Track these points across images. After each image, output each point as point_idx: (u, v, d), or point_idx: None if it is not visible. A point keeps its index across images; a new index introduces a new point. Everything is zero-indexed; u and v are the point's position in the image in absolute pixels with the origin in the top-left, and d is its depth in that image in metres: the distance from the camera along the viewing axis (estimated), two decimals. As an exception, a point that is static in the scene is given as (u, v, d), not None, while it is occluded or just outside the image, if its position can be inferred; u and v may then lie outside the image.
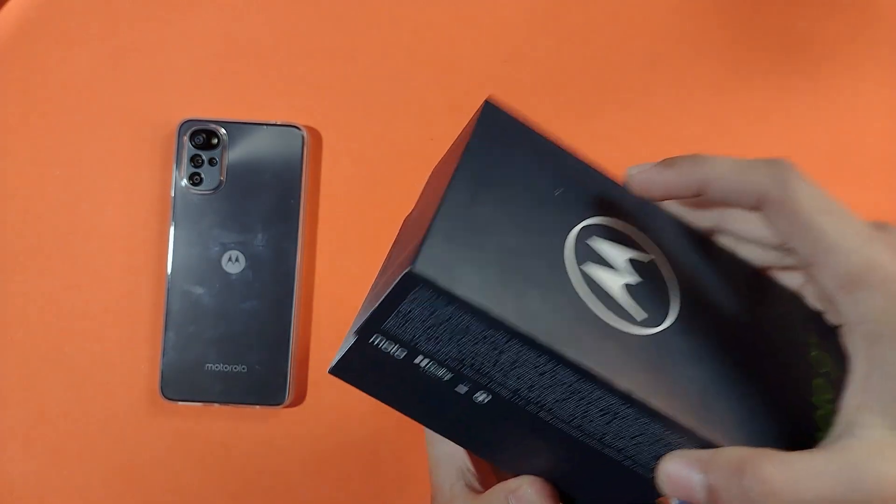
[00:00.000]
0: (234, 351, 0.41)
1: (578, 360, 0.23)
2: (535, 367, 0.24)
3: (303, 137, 0.41)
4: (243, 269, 0.41)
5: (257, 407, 0.41)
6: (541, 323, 0.24)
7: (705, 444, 0.24)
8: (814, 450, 0.22)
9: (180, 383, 0.41)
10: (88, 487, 0.42)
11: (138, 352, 0.42)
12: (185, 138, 0.41)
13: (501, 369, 0.24)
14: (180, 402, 0.41)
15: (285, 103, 0.43)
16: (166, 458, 0.42)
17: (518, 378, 0.24)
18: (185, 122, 0.41)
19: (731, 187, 0.25)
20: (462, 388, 0.25)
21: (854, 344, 0.22)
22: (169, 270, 0.41)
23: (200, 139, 0.41)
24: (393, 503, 0.42)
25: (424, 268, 0.22)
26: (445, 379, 0.25)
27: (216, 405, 0.41)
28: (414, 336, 0.24)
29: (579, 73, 0.43)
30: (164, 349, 0.41)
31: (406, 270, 0.22)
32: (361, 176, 0.43)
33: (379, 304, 0.24)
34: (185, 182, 0.41)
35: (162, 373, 0.41)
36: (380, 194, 0.43)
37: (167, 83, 0.43)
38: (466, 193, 0.26)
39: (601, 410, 0.24)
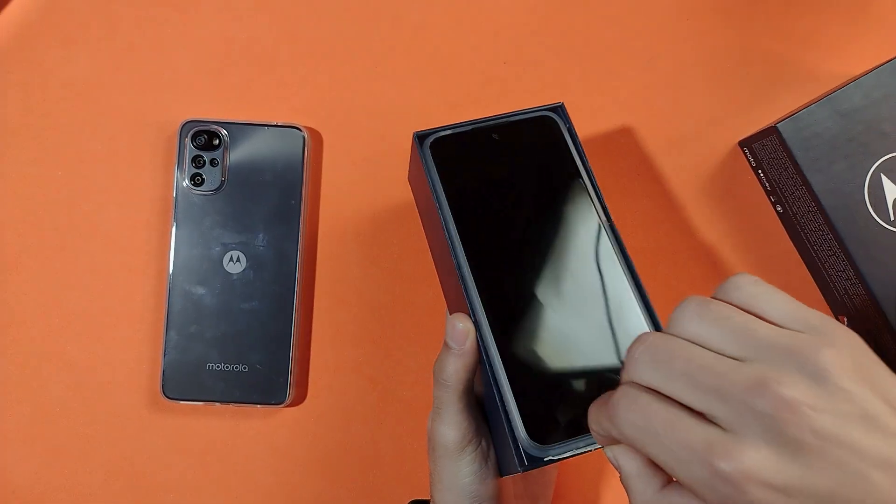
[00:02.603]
0: (235, 351, 0.41)
1: None
2: None
3: (303, 138, 0.41)
4: (244, 270, 0.41)
5: (258, 406, 0.41)
6: None
7: None
8: None
9: (181, 383, 0.41)
10: (89, 486, 0.42)
11: (140, 351, 0.42)
12: (187, 139, 0.41)
13: None
14: (181, 402, 0.41)
15: (286, 104, 0.43)
16: (167, 456, 0.42)
17: None
18: (187, 122, 0.41)
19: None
20: None
21: None
22: (170, 270, 0.41)
23: (202, 140, 0.41)
24: (393, 503, 0.42)
25: None
26: None
27: (217, 404, 0.41)
28: None
29: (579, 74, 0.43)
30: (165, 349, 0.41)
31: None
32: (362, 176, 0.43)
33: None
34: (186, 182, 0.41)
35: (163, 372, 0.41)
36: (379, 194, 0.43)
37: (169, 84, 0.43)
38: None
39: None
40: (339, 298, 0.42)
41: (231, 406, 0.41)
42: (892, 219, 0.37)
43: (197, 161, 0.41)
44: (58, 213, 0.42)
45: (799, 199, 0.39)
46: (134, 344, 0.42)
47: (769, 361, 0.22)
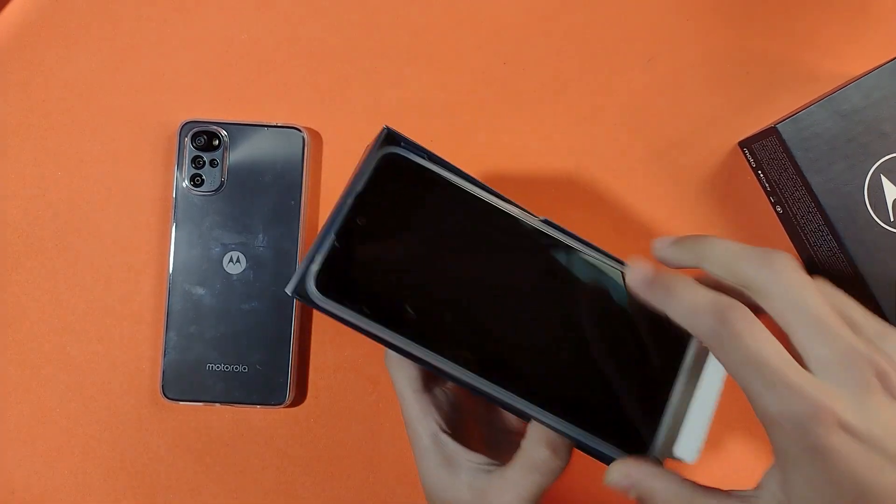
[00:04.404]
0: (234, 351, 0.41)
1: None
2: None
3: (303, 139, 0.41)
4: (244, 270, 0.41)
5: (258, 407, 0.41)
6: None
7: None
8: (712, 493, 0.26)
9: (181, 383, 0.41)
10: (89, 487, 0.42)
11: (140, 352, 0.42)
12: (187, 140, 0.41)
13: None
14: (181, 402, 0.41)
15: (286, 105, 0.43)
16: (167, 457, 0.42)
17: None
18: (187, 123, 0.41)
19: (719, 274, 0.27)
20: None
21: (777, 443, 0.25)
22: (170, 271, 0.41)
23: (202, 140, 0.41)
24: (393, 502, 0.42)
25: None
26: None
27: (217, 405, 0.41)
28: None
29: (579, 75, 0.43)
30: (165, 349, 0.41)
31: None
32: (362, 176, 0.43)
33: None
34: (186, 183, 0.41)
35: (163, 373, 0.41)
36: (380, 195, 0.43)
37: (168, 84, 0.43)
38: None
39: None
40: (338, 299, 0.42)
41: (231, 406, 0.41)
42: (892, 219, 0.37)
43: (196, 161, 0.41)
44: (58, 213, 0.42)
45: (799, 199, 0.39)
46: (134, 344, 0.42)
47: (881, 345, 0.25)
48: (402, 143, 0.30)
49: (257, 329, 0.41)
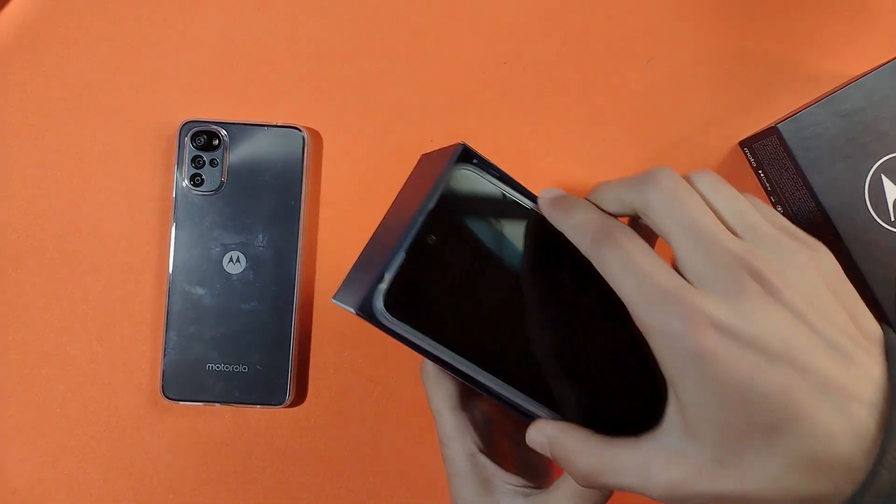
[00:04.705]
0: (234, 351, 0.41)
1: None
2: None
3: (303, 139, 0.41)
4: (244, 270, 0.41)
5: (258, 407, 0.41)
6: None
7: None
8: (619, 442, 0.26)
9: (181, 383, 0.41)
10: (89, 487, 0.42)
11: (139, 352, 0.42)
12: (187, 139, 0.41)
13: None
14: (181, 402, 0.41)
15: (286, 104, 0.43)
16: (167, 457, 0.42)
17: None
18: (187, 123, 0.41)
19: (613, 210, 0.28)
20: None
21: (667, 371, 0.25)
22: (170, 271, 0.41)
23: (201, 140, 0.41)
24: (393, 503, 0.42)
25: None
26: None
27: (217, 405, 0.41)
28: None
29: (579, 75, 0.43)
30: (165, 349, 0.41)
31: None
32: (362, 177, 0.43)
33: None
34: (186, 183, 0.41)
35: (163, 373, 0.41)
36: (380, 195, 0.43)
37: (168, 84, 0.43)
38: None
39: None
40: (338, 299, 0.42)
41: (231, 406, 0.41)
42: (893, 219, 0.37)
43: (196, 161, 0.41)
44: (58, 213, 0.42)
45: (799, 199, 0.39)
46: (134, 344, 0.42)
47: (762, 247, 0.25)
48: (475, 160, 0.29)
49: (257, 329, 0.41)
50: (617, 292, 0.25)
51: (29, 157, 0.42)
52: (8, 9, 0.43)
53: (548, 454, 0.28)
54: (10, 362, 0.42)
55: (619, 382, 0.29)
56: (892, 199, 0.37)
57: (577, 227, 0.27)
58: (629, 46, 0.43)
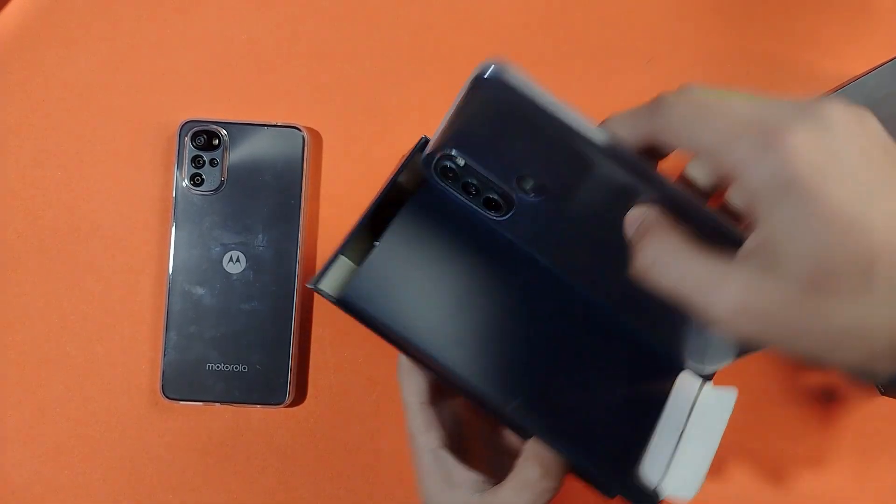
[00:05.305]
0: (234, 351, 0.41)
1: None
2: None
3: (303, 138, 0.41)
4: (244, 270, 0.41)
5: (258, 406, 0.41)
6: None
7: None
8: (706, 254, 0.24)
9: (181, 383, 0.41)
10: (89, 487, 0.42)
11: (139, 352, 0.42)
12: (187, 139, 0.41)
13: None
14: (181, 402, 0.41)
15: (286, 104, 0.43)
16: (167, 457, 0.42)
17: None
18: (187, 122, 0.41)
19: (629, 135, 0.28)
20: None
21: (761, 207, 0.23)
22: (170, 271, 0.41)
23: (201, 140, 0.41)
24: (393, 502, 0.42)
25: None
26: None
27: (217, 405, 0.41)
28: None
29: (579, 75, 0.43)
30: (165, 349, 0.41)
31: None
32: (362, 176, 0.43)
33: None
34: (186, 183, 0.41)
35: (163, 372, 0.41)
36: (380, 195, 0.43)
37: (168, 84, 0.43)
38: None
39: None
40: (338, 298, 0.42)
41: (231, 406, 0.41)
42: (892, 219, 0.37)
43: (196, 161, 0.41)
44: (58, 213, 0.42)
45: (799, 199, 0.39)
46: (134, 344, 0.42)
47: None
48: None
49: (257, 329, 0.41)
50: (693, 151, 0.24)
51: (29, 157, 0.42)
52: (8, 9, 0.43)
53: (633, 230, 0.27)
54: (10, 362, 0.42)
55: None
56: None
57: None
58: (629, 46, 0.43)
